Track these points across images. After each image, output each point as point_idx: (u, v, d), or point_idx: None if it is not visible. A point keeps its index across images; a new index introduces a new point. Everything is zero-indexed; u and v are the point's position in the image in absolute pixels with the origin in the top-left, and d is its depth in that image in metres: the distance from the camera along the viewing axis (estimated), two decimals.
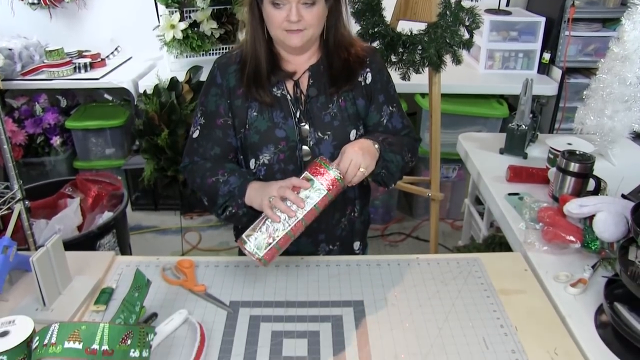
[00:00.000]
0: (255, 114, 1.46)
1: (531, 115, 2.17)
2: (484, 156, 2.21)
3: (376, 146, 1.39)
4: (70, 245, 2.06)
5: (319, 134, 1.47)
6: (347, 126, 1.48)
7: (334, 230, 1.58)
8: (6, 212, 1.65)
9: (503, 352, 1.19)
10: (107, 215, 2.49)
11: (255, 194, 1.36)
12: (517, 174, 1.95)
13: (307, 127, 1.47)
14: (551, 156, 2.00)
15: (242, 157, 1.53)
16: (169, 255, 1.55)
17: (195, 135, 1.52)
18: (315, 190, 1.28)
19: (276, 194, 1.28)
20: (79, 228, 2.49)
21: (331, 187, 1.28)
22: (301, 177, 1.30)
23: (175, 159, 3.08)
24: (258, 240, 1.28)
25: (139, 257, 1.56)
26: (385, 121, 1.54)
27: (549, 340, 1.23)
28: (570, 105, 3.24)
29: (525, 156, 2.16)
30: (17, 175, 1.68)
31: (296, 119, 1.46)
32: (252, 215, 1.37)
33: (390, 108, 1.54)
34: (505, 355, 1.18)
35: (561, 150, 1.78)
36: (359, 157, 1.32)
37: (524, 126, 2.13)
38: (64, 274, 1.37)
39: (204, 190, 1.47)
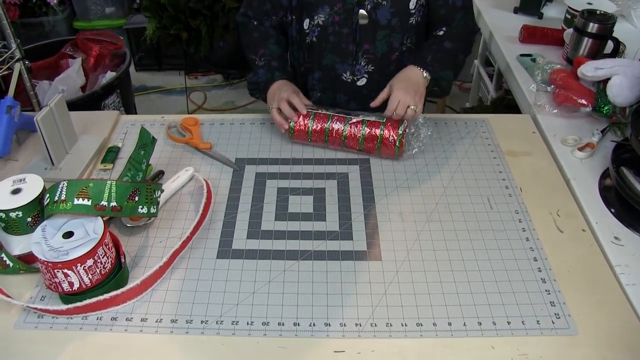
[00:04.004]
0: None
1: None
2: (497, 15, 2.13)
3: (425, 74, 1.34)
4: (75, 106, 2.05)
5: None
6: None
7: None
8: (6, 72, 1.62)
9: (506, 212, 1.21)
10: (110, 75, 2.45)
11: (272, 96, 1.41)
12: (531, 35, 1.88)
13: None
14: (568, 16, 1.92)
15: (295, 17, 1.47)
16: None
17: None
18: (377, 121, 1.34)
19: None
20: (83, 89, 2.47)
21: (371, 139, 1.34)
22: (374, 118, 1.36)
23: (178, 16, 2.98)
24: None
25: (144, 116, 1.55)
26: None
27: (552, 201, 1.24)
28: None
29: (540, 16, 2.08)
30: (13, 33, 1.62)
31: None
32: None
33: None
34: (509, 216, 1.20)
35: (580, 10, 1.70)
36: (407, 98, 1.29)
37: None
38: (70, 134, 1.37)
39: (245, 56, 1.53)
